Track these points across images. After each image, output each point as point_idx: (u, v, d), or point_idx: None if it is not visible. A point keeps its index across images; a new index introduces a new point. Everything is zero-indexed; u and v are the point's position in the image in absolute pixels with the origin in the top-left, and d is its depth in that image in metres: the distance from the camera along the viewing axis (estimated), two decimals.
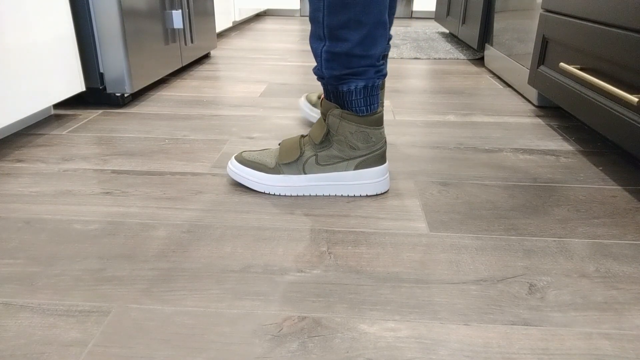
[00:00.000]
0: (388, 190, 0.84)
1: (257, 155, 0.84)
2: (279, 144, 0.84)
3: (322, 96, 0.84)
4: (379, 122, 0.79)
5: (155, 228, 0.71)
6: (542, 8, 1.23)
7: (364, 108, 0.78)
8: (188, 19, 1.62)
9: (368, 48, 0.73)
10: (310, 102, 1.18)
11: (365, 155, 0.80)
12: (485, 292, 0.58)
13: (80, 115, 1.23)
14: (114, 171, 0.90)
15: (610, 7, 0.90)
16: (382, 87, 0.99)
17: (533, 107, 1.35)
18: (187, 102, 1.36)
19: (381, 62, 0.78)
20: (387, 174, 0.83)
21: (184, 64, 1.67)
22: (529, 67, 1.38)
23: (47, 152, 0.99)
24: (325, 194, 0.82)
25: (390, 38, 0.85)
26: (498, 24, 1.73)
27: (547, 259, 0.65)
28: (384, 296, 0.57)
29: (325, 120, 0.79)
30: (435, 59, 2.07)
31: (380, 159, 0.82)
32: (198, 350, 0.49)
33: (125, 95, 1.30)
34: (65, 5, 1.12)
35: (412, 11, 3.87)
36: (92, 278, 0.59)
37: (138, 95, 1.42)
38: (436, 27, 3.13)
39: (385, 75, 0.79)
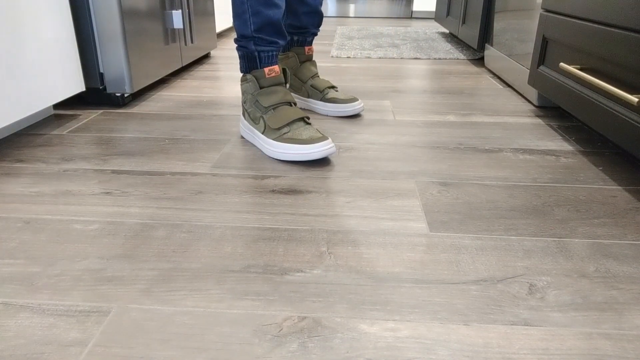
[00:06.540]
0: None
1: None
2: None
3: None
4: None
5: (155, 228, 0.71)
6: (542, 8, 1.23)
7: None
8: (188, 19, 1.62)
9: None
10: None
11: None
12: (485, 292, 0.58)
13: (80, 115, 1.23)
14: (114, 171, 0.90)
15: (610, 7, 0.90)
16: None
17: (533, 107, 1.35)
18: (187, 102, 1.36)
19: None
20: None
21: (184, 64, 1.67)
22: (529, 67, 1.38)
23: (47, 152, 0.99)
24: None
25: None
26: (498, 24, 1.73)
27: (547, 259, 0.65)
28: (384, 296, 0.57)
29: None
30: (435, 59, 2.07)
31: None
32: (198, 350, 0.49)
33: (125, 95, 1.30)
34: (65, 5, 1.12)
35: (412, 11, 3.87)
36: (92, 278, 0.59)
37: (138, 95, 1.42)
38: (436, 27, 3.13)
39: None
